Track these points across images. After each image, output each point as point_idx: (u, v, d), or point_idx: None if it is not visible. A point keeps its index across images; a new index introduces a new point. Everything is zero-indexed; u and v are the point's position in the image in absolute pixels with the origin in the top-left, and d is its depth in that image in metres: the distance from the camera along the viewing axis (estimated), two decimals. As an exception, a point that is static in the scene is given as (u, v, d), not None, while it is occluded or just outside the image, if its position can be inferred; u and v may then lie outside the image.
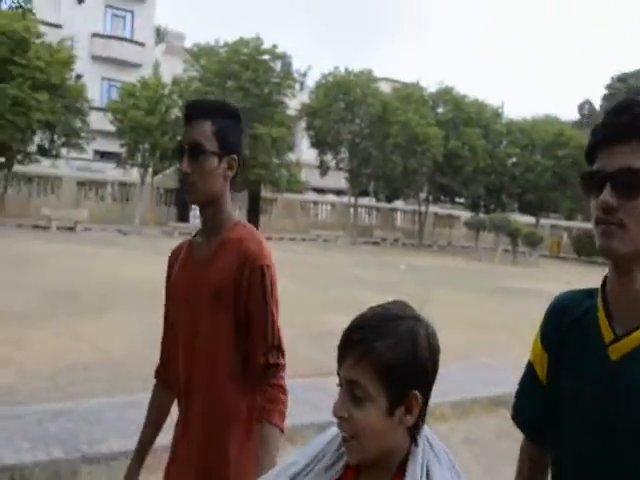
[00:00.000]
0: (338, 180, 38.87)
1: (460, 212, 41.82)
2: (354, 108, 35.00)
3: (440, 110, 37.98)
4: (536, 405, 1.80)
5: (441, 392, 7.61)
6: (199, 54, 32.30)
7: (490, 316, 14.64)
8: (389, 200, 40.09)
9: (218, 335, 2.56)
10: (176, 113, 30.26)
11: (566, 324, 1.70)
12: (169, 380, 2.76)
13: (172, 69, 34.40)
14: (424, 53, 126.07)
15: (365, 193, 39.11)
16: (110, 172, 34.55)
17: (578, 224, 40.73)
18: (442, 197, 40.89)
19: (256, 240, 2.59)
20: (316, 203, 40.12)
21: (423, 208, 38.60)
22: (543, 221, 39.76)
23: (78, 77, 27.19)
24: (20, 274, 14.97)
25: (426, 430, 1.65)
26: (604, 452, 1.57)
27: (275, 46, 31.16)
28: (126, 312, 11.86)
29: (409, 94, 36.51)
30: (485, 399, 7.99)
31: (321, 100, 35.20)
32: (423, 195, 38.62)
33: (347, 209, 38.68)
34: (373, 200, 40.69)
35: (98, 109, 32.95)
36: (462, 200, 40.38)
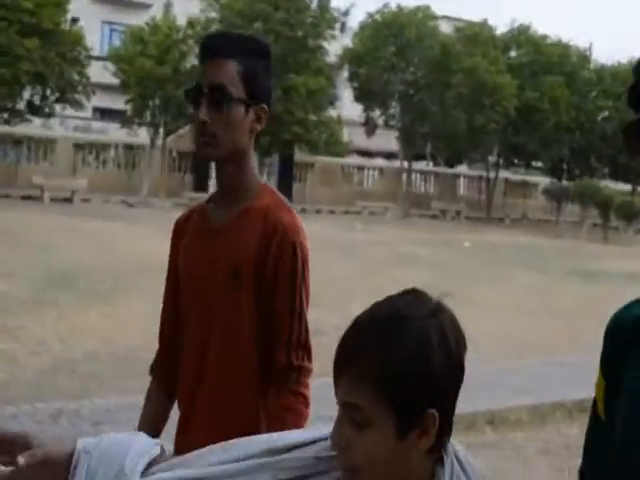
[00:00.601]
0: (388, 141, 38.77)
1: (538, 178, 41.59)
2: (407, 53, 34.94)
3: (513, 54, 37.81)
4: (599, 444, 1.62)
5: (514, 392, 7.72)
6: None
7: (570, 303, 14.69)
8: (450, 164, 40.02)
9: (236, 323, 2.52)
10: (192, 61, 30.40)
11: (623, 342, 1.53)
12: (169, 379, 2.71)
13: (187, 9, 34.45)
14: None
15: (421, 156, 39.04)
16: (113, 133, 34.91)
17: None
18: (515, 160, 40.72)
19: (287, 210, 2.53)
20: (361, 168, 40.14)
21: (492, 174, 38.43)
22: (641, 189, 39.31)
23: (74, 21, 27.42)
24: (10, 254, 15.26)
25: (456, 447, 1.59)
26: None
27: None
28: (133, 298, 12.09)
29: (475, 35, 36.32)
30: (569, 402, 8.05)
31: (367, 44, 35.11)
32: (492, 158, 38.47)
33: (399, 175, 38.51)
34: (430, 164, 40.62)
35: (98, 58, 33.22)
36: (540, 164, 40.11)
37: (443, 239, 26.14)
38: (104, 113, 37.97)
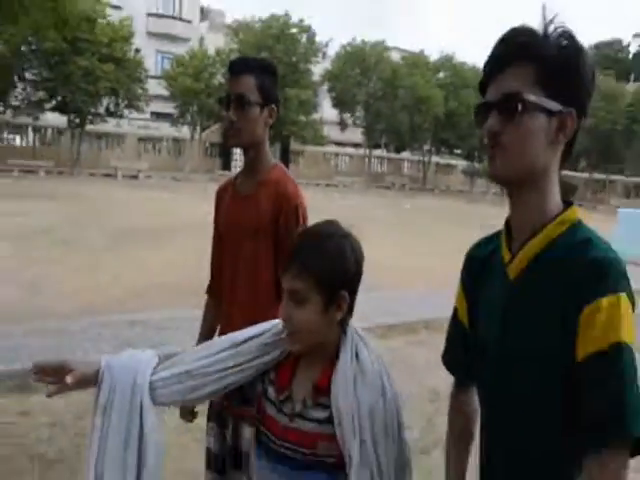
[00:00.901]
0: (355, 135, 38.56)
1: (458, 161, 41.45)
2: (368, 74, 34.42)
3: (441, 75, 37.28)
4: (458, 345, 1.59)
5: (443, 307, 7.51)
6: (238, 29, 31.80)
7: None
8: (398, 151, 39.78)
9: (259, 259, 2.50)
10: (219, 79, 30.05)
11: (476, 267, 1.52)
12: (218, 293, 2.71)
13: (215, 42, 33.99)
14: (429, 25, 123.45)
15: (377, 146, 38.82)
16: (165, 130, 34.58)
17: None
18: (442, 149, 40.43)
19: (291, 181, 2.52)
20: (336, 154, 39.76)
21: (426, 158, 38.32)
22: (527, 169, 39.34)
23: (137, 51, 27.02)
24: (96, 215, 15.21)
25: (356, 327, 1.66)
26: (500, 381, 1.37)
27: (302, 20, 30.82)
28: (179, 245, 12.05)
29: (415, 62, 35.84)
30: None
31: (340, 67, 34.67)
32: (426, 147, 38.26)
33: (362, 159, 38.45)
34: (384, 151, 40.40)
35: (154, 77, 32.73)
36: (459, 151, 39.85)
37: (392, 203, 26.19)
38: (158, 116, 37.39)
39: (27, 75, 25.25)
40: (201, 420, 2.72)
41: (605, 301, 1.17)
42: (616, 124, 32.43)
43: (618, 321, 1.16)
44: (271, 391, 1.66)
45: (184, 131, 32.60)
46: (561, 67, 1.26)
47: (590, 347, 1.17)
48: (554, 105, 1.26)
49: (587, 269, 1.21)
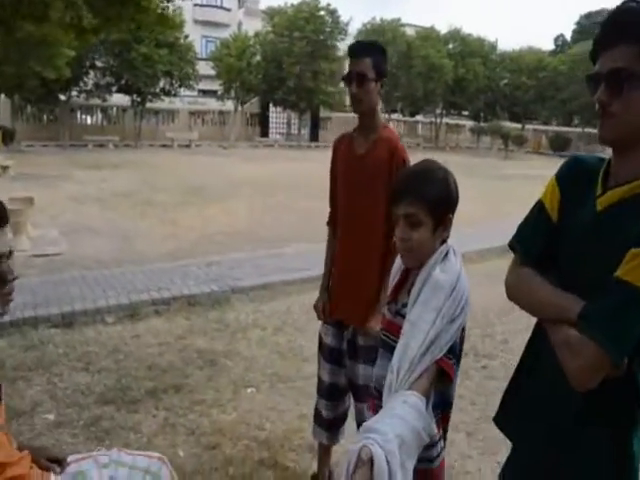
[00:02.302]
0: (375, 102, 38.02)
1: (465, 122, 40.65)
2: (387, 47, 33.47)
3: (450, 46, 36.17)
4: (540, 233, 1.47)
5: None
6: (272, 14, 31.20)
7: (490, 192, 14.75)
8: (412, 115, 39.14)
9: (376, 200, 2.55)
10: (257, 58, 29.75)
11: (581, 172, 1.44)
12: (336, 223, 2.78)
13: (252, 26, 33.52)
14: (439, 3, 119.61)
15: (394, 110, 38.23)
16: (211, 104, 34.46)
17: (553, 127, 39.36)
18: (452, 111, 39.70)
19: (397, 139, 2.61)
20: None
21: (438, 120, 37.61)
22: (527, 126, 38.45)
23: (186, 37, 26.77)
24: (161, 178, 15.50)
25: (452, 244, 1.68)
26: (575, 286, 1.31)
27: (329, 4, 30.08)
28: (236, 200, 12.28)
29: (427, 35, 34.83)
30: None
31: (362, 43, 34.14)
32: (438, 110, 37.52)
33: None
34: (400, 115, 39.81)
35: (201, 59, 32.47)
36: (467, 113, 39.21)
37: (411, 159, 25.92)
38: (205, 92, 37.22)
39: (97, 63, 25.33)
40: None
41: None
42: (606, 83, 31.59)
43: None
44: (388, 298, 1.80)
45: (228, 105, 32.45)
46: None
47: (622, 273, 1.19)
48: None
49: None
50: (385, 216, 2.49)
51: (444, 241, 1.66)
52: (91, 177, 15.22)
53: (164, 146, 27.61)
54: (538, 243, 1.45)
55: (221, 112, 32.97)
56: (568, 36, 56.68)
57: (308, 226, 8.66)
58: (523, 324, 4.44)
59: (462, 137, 39.93)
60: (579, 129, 36.12)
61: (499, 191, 15.50)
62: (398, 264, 1.79)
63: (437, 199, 1.61)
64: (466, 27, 53.48)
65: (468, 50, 35.46)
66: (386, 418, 1.39)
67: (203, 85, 34.74)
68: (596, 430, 1.30)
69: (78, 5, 5.59)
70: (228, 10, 43.42)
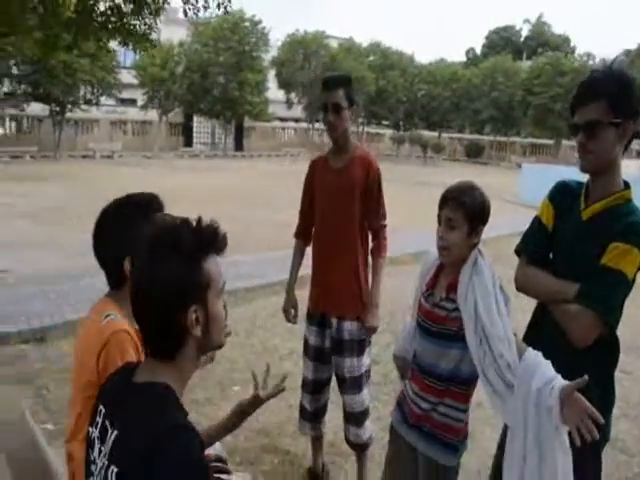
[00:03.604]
0: (296, 111, 38.39)
1: (386, 130, 42.02)
2: (310, 59, 34.36)
3: (371, 58, 37.45)
4: (539, 240, 1.90)
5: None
6: (197, 23, 30.77)
7: (414, 199, 15.31)
8: (335, 125, 39.97)
9: (351, 215, 2.81)
10: (181, 68, 29.56)
11: (567, 193, 1.89)
12: (306, 237, 3.07)
13: (172, 34, 33.04)
14: (363, 14, 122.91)
15: (317, 120, 38.93)
16: (131, 113, 33.62)
17: (467, 136, 41.20)
18: (373, 121, 40.94)
19: (372, 156, 2.89)
20: (283, 129, 39.47)
21: (360, 129, 38.58)
22: (443, 135, 40.17)
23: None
24: (79, 188, 15.01)
25: (480, 248, 1.93)
26: (568, 276, 1.75)
27: (254, 15, 30.30)
28: (174, 210, 12.17)
29: (349, 47, 35.92)
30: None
31: (286, 54, 34.47)
32: (360, 120, 38.61)
33: (305, 132, 38.42)
34: (321, 124, 40.42)
35: (124, 67, 31.75)
36: (387, 122, 40.55)
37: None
38: (123, 101, 36.12)
39: (13, 71, 24.26)
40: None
41: (623, 245, 1.65)
42: (514, 95, 33.66)
43: (624, 259, 1.65)
44: (424, 288, 2.07)
45: (150, 114, 31.88)
46: (622, 96, 1.67)
47: (606, 261, 1.67)
48: (619, 120, 1.67)
49: (625, 227, 1.68)
50: (360, 226, 2.86)
51: (475, 245, 1.93)
52: (14, 190, 14.52)
53: (85, 157, 26.71)
54: (539, 247, 1.91)
55: (144, 122, 32.32)
56: (478, 50, 60.02)
57: (249, 235, 9.00)
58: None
59: (383, 145, 41.16)
60: (491, 137, 38.23)
61: (420, 197, 16.04)
62: (430, 261, 2.08)
63: (474, 210, 1.88)
64: (385, 40, 55.71)
65: (388, 63, 36.79)
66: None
67: (123, 94, 33.94)
68: (587, 370, 1.68)
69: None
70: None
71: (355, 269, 2.86)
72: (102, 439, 1.18)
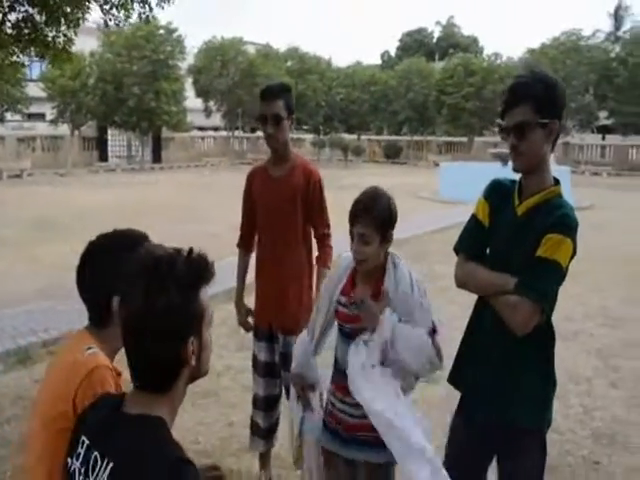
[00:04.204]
0: (214, 119, 37.95)
1: (306, 135, 42.30)
2: (228, 65, 33.93)
3: (289, 63, 37.59)
4: (476, 237, 1.99)
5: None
6: (108, 32, 29.66)
7: (343, 201, 15.64)
8: (253, 131, 39.82)
9: (294, 224, 2.85)
10: (93, 79, 28.51)
11: (501, 190, 1.98)
12: (248, 246, 3.10)
13: (90, 45, 31.84)
14: (279, 19, 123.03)
15: (237, 128, 38.74)
16: (39, 128, 32.13)
17: (386, 137, 41.95)
18: (293, 125, 40.71)
19: (311, 164, 2.95)
20: (202, 138, 38.80)
21: (281, 135, 38.65)
22: (362, 137, 40.73)
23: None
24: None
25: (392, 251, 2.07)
26: (505, 269, 1.85)
27: (170, 22, 29.40)
28: (94, 230, 11.78)
29: (267, 53, 35.88)
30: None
31: (203, 61, 33.91)
32: (280, 126, 38.64)
33: (225, 140, 37.96)
34: (242, 132, 40.33)
35: (32, 80, 30.19)
36: (307, 127, 40.77)
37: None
38: (30, 116, 34.50)
39: None
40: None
41: (556, 236, 1.77)
42: (429, 96, 34.71)
43: (559, 249, 1.76)
44: (341, 297, 2.14)
45: (61, 129, 30.51)
46: (547, 97, 1.79)
47: (541, 252, 1.77)
48: (546, 121, 1.79)
49: (558, 219, 1.80)
50: (303, 233, 2.89)
51: (388, 247, 2.04)
52: None
53: (-11, 177, 25.25)
54: (476, 244, 2.00)
55: (54, 137, 30.84)
56: (393, 52, 61.56)
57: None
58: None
59: (304, 150, 41.20)
60: (408, 137, 39.22)
61: (344, 200, 16.36)
62: (343, 266, 2.16)
63: (383, 221, 1.97)
64: (302, 45, 56.34)
65: (306, 67, 36.96)
66: None
67: (30, 108, 32.33)
68: (527, 357, 1.89)
69: None
70: (55, 27, 40.74)
71: (299, 279, 2.88)
72: (87, 471, 1.15)
